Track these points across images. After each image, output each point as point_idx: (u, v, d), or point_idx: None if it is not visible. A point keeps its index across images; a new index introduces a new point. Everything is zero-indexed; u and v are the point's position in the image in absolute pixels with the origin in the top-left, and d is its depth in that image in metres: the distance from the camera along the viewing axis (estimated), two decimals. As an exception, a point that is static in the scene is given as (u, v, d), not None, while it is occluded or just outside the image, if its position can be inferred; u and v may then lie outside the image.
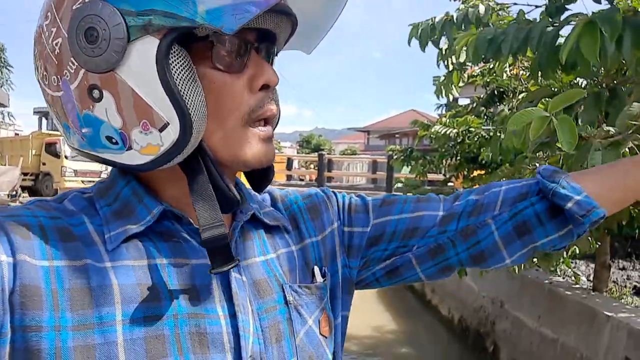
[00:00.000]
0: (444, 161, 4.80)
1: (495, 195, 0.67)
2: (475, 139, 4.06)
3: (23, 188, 14.54)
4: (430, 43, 2.57)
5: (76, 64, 0.49)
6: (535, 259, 2.58)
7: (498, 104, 4.38)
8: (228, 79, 0.51)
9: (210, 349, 0.50)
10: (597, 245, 3.88)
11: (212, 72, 0.51)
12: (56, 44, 0.50)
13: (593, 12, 1.27)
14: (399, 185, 10.17)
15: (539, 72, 1.44)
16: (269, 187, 0.69)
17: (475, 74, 4.54)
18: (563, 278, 4.40)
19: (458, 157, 4.60)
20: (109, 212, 0.53)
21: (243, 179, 0.64)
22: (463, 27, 2.41)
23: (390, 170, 10.49)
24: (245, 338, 0.52)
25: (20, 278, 0.45)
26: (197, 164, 0.52)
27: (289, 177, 14.58)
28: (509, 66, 3.07)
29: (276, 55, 0.60)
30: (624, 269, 5.54)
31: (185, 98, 0.48)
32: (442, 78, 3.13)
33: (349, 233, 0.67)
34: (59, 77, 0.51)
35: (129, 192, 0.54)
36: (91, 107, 0.50)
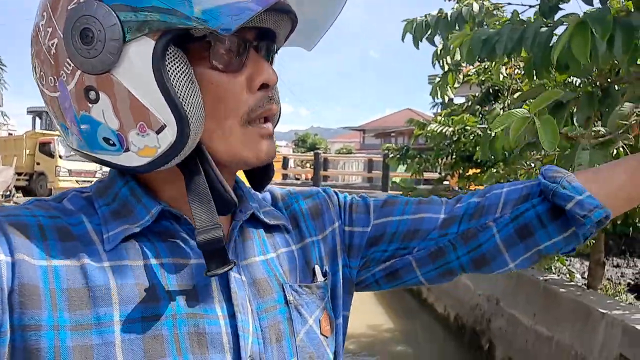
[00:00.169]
0: (439, 160, 4.81)
1: (497, 197, 0.66)
2: (471, 138, 4.08)
3: (17, 188, 14.47)
4: (424, 40, 2.57)
5: (72, 65, 0.48)
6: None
7: (493, 102, 4.39)
8: (226, 78, 0.51)
9: (209, 349, 0.50)
10: (592, 244, 3.90)
11: (210, 72, 0.51)
12: (52, 44, 0.50)
13: (585, 12, 1.28)
14: (395, 180, 10.18)
15: (534, 72, 1.45)
16: (270, 186, 0.69)
17: (471, 73, 4.56)
18: (558, 276, 4.43)
19: (453, 156, 4.62)
20: (108, 211, 0.53)
21: (243, 178, 0.64)
22: (457, 26, 2.42)
23: (386, 169, 10.50)
24: (245, 338, 0.52)
25: (19, 277, 0.45)
26: (194, 165, 0.51)
27: (285, 176, 14.58)
28: (504, 65, 3.08)
29: (276, 52, 0.60)
30: (618, 266, 5.58)
31: (182, 100, 0.47)
32: (438, 79, 3.14)
33: (350, 232, 0.67)
34: (55, 77, 0.50)
35: (127, 192, 0.54)
36: (88, 109, 0.49)
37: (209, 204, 0.51)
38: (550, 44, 1.34)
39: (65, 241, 0.49)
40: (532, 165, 1.63)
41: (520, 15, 1.89)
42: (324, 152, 17.53)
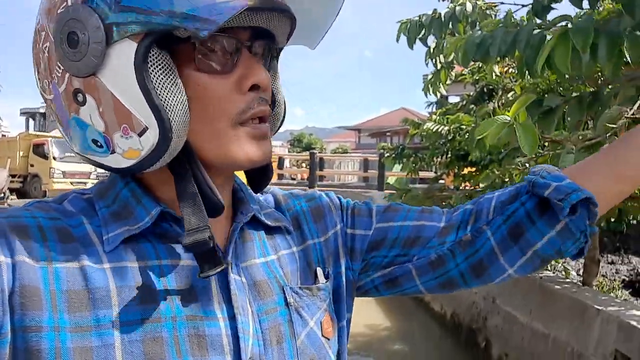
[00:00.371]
0: (434, 159, 4.82)
1: (489, 201, 0.66)
2: (466, 137, 4.09)
3: (11, 190, 14.37)
4: (418, 41, 2.58)
5: (62, 68, 0.50)
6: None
7: (488, 101, 4.41)
8: (213, 80, 0.50)
9: (209, 351, 0.50)
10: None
11: (197, 74, 0.50)
12: (45, 48, 0.51)
13: (572, 20, 1.29)
14: (389, 182, 10.19)
15: (525, 71, 1.46)
16: (272, 188, 0.69)
17: (465, 73, 4.58)
18: (553, 273, 4.45)
19: (449, 155, 4.63)
20: (108, 213, 0.53)
21: (244, 179, 0.64)
22: (451, 25, 2.43)
23: (381, 168, 10.52)
24: (245, 340, 0.52)
25: (20, 279, 0.45)
26: (183, 167, 0.51)
27: (281, 176, 14.58)
28: (497, 64, 3.10)
29: (277, 53, 0.59)
30: (613, 263, 5.62)
31: (164, 102, 0.47)
32: (430, 76, 3.15)
33: (352, 235, 0.67)
34: (49, 80, 0.52)
35: (127, 193, 0.54)
36: (77, 111, 0.50)
37: (197, 206, 0.50)
38: (542, 44, 1.36)
39: (66, 243, 0.49)
40: (527, 165, 1.65)
41: (513, 14, 1.90)
42: (319, 152, 17.53)
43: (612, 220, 3.54)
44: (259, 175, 0.61)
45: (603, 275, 4.72)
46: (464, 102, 4.83)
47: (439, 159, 4.79)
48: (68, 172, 14.69)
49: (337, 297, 0.64)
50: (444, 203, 4.56)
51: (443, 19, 2.44)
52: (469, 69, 4.51)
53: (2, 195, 12.16)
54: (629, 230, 5.07)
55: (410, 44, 2.57)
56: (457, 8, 2.43)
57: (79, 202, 0.54)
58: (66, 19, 0.48)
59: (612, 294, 3.90)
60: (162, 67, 0.47)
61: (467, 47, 1.51)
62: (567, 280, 4.15)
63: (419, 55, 2.89)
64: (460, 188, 4.71)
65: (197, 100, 0.50)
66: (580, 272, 4.43)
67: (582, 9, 1.50)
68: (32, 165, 15.27)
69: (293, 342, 0.56)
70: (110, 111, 0.48)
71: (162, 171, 0.53)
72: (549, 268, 4.67)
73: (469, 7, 2.42)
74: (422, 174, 6.69)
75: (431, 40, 2.66)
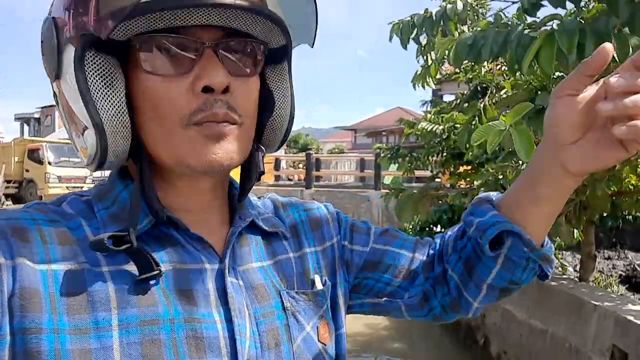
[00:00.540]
0: (430, 158, 4.83)
1: (450, 236, 0.68)
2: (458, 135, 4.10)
3: (7, 196, 14.33)
4: (411, 40, 2.59)
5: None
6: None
7: (481, 99, 4.43)
8: (164, 82, 0.50)
9: (207, 353, 0.50)
10: (580, 237, 3.95)
11: (146, 75, 0.50)
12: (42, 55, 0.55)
13: (562, 17, 1.30)
14: (384, 182, 10.19)
15: (517, 69, 1.47)
16: (272, 195, 0.70)
17: (458, 71, 4.59)
18: (550, 269, 4.46)
19: (444, 154, 4.64)
20: (107, 215, 0.53)
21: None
22: (442, 23, 2.44)
23: (378, 168, 10.51)
24: (242, 342, 0.52)
25: (20, 281, 0.45)
26: (139, 169, 0.53)
27: (277, 178, 14.56)
28: (487, 63, 3.12)
29: (264, 53, 0.55)
30: (609, 258, 5.65)
31: (97, 104, 0.49)
32: (420, 69, 3.15)
33: (350, 250, 0.68)
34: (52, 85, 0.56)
35: (126, 196, 0.54)
36: (60, 113, 0.55)
37: (130, 209, 0.52)
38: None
39: (65, 245, 0.49)
40: (520, 162, 1.65)
41: (503, 11, 1.91)
42: (316, 153, 17.54)
43: (605, 215, 3.55)
44: (244, 178, 0.60)
45: (600, 271, 4.75)
46: (458, 101, 4.84)
47: (434, 158, 4.80)
48: (64, 177, 14.63)
49: (334, 305, 0.65)
50: (440, 202, 4.57)
51: (434, 18, 2.45)
52: (462, 67, 4.53)
53: (-2, 201, 12.11)
54: (625, 226, 5.10)
55: (404, 44, 2.58)
56: (449, 6, 2.45)
57: (77, 204, 0.55)
58: (43, 28, 0.53)
59: (608, 290, 3.92)
60: (97, 70, 0.49)
61: (459, 49, 1.52)
62: (564, 276, 4.17)
63: (414, 54, 2.88)
64: (456, 186, 4.72)
65: (148, 102, 0.51)
66: (577, 268, 4.45)
67: (565, 9, 1.51)
68: (27, 171, 15.21)
69: (290, 346, 0.56)
70: (65, 112, 0.53)
71: (164, 176, 0.54)
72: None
73: (460, 5, 2.43)
74: (418, 173, 6.70)
75: (423, 39, 2.67)
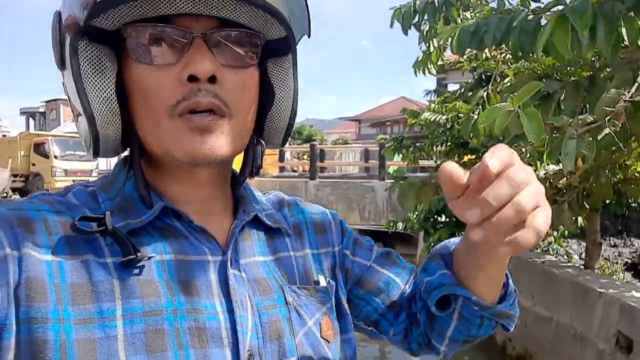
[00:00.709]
0: (434, 147, 4.82)
1: (421, 278, 0.66)
2: (462, 124, 4.09)
3: (14, 190, 14.42)
4: (412, 27, 2.57)
5: None
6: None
7: (486, 88, 4.40)
8: (153, 71, 0.50)
9: (209, 344, 0.50)
10: (584, 225, 3.94)
11: (136, 65, 0.51)
12: None
13: (566, 2, 1.29)
14: (389, 171, 10.19)
15: (521, 55, 1.46)
16: (278, 192, 0.71)
17: (462, 60, 4.56)
18: (556, 257, 4.47)
19: (448, 143, 4.63)
20: (111, 206, 0.54)
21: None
22: (445, 9, 2.42)
23: (382, 158, 10.50)
24: (243, 333, 0.52)
25: (26, 271, 0.46)
26: (131, 157, 0.55)
27: (282, 169, 14.57)
28: (490, 50, 3.08)
29: (261, 45, 0.54)
30: (615, 246, 5.64)
31: (87, 91, 0.50)
32: (422, 55, 3.12)
33: (351, 260, 0.69)
34: None
35: (131, 187, 0.55)
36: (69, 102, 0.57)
37: (117, 192, 0.55)
38: (537, 31, 1.36)
39: (69, 236, 0.50)
40: (523, 150, 1.65)
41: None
42: (320, 144, 17.51)
43: (608, 202, 3.54)
44: (240, 170, 0.61)
45: (605, 259, 4.75)
46: (463, 90, 4.81)
47: (438, 148, 4.79)
48: (70, 170, 14.74)
49: (340, 310, 0.65)
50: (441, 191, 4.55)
51: (437, 4, 2.42)
52: (466, 56, 4.50)
53: (5, 194, 12.21)
54: (631, 213, 5.08)
55: (405, 30, 2.55)
56: (451, -8, 2.42)
57: (82, 194, 0.55)
58: (53, 21, 0.54)
59: (614, 277, 3.92)
60: (88, 58, 0.50)
61: (462, 36, 1.50)
62: (569, 264, 4.17)
63: (417, 43, 2.85)
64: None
65: (138, 90, 0.52)
66: (583, 256, 4.45)
67: None
68: (33, 165, 15.31)
69: (292, 339, 0.57)
70: (70, 101, 0.54)
71: (166, 167, 0.55)
72: (551, 252, 4.68)
73: (462, -10, 2.41)
74: (423, 163, 6.68)
75: (425, 25, 2.64)
